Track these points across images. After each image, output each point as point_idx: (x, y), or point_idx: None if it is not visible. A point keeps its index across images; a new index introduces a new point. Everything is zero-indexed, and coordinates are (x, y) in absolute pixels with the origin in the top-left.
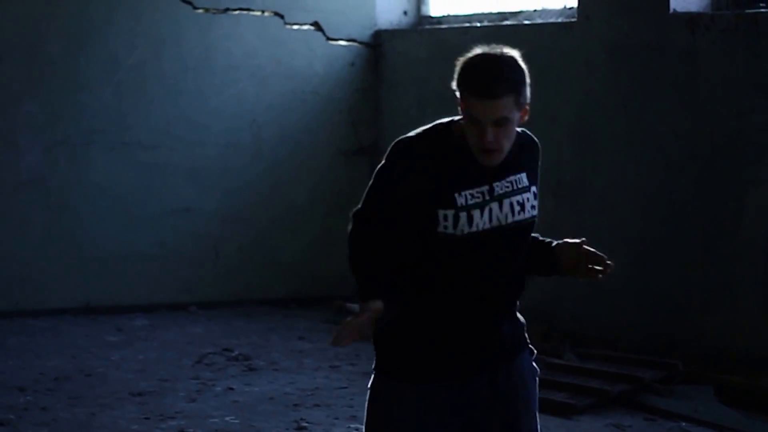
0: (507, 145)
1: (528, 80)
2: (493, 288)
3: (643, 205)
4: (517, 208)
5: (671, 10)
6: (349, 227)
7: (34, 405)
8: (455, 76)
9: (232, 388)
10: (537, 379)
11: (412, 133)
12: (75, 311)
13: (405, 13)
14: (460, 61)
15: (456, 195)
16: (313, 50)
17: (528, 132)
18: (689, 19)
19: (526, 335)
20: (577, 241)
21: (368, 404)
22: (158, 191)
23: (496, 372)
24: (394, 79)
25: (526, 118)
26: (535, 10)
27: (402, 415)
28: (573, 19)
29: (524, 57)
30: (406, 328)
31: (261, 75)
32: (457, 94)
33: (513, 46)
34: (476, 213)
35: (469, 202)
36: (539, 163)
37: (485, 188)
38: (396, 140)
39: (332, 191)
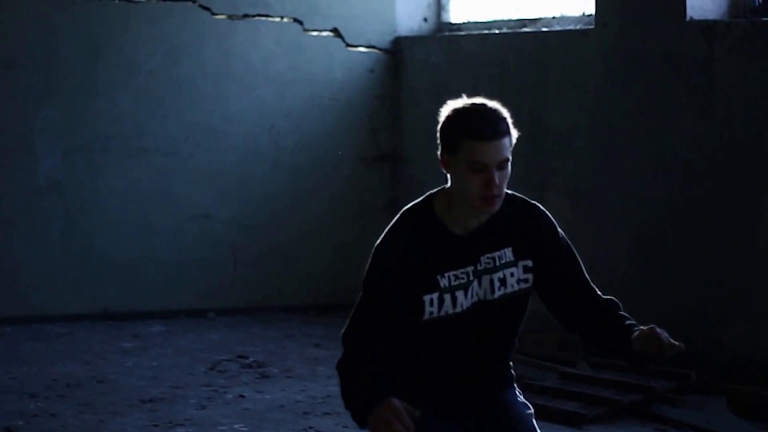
0: (504, 190)
1: None
2: (479, 361)
3: (659, 214)
4: (497, 284)
5: (688, 18)
6: (343, 337)
7: (43, 411)
8: (447, 130)
9: (243, 396)
10: (531, 410)
11: (385, 231)
12: (92, 317)
13: (425, 19)
14: (446, 116)
15: (438, 277)
16: (332, 56)
17: (528, 201)
18: (706, 27)
19: (512, 379)
20: (648, 331)
21: None
22: (176, 197)
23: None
24: (413, 85)
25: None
26: (553, 17)
27: None
28: (590, 27)
29: (542, 64)
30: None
31: (280, 81)
32: (441, 151)
33: (532, 52)
34: (460, 294)
35: (453, 283)
36: (542, 228)
37: (469, 269)
38: (374, 246)
39: (351, 198)
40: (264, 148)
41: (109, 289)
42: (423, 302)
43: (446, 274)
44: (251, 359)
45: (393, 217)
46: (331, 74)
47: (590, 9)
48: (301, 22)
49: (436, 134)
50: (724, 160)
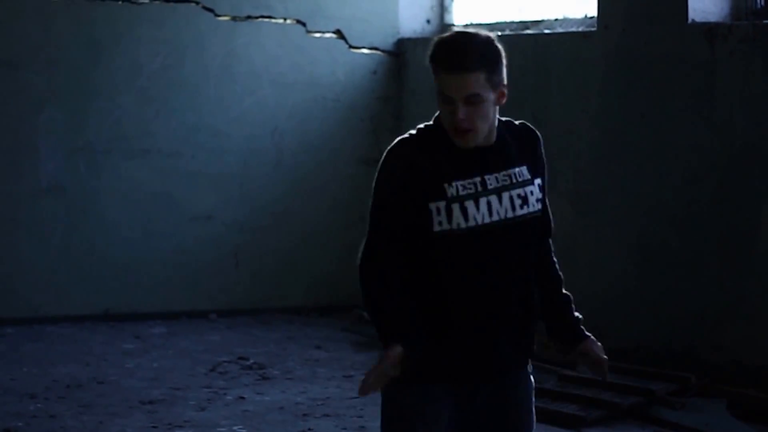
0: (482, 125)
1: (504, 61)
2: (499, 293)
3: (660, 216)
4: (518, 201)
5: (690, 21)
6: (359, 262)
7: (43, 412)
8: (428, 53)
9: (243, 397)
10: (533, 393)
11: (395, 141)
12: (93, 318)
13: (428, 21)
14: (433, 39)
15: (446, 185)
16: (335, 58)
17: (527, 124)
18: (708, 29)
19: (531, 353)
20: (597, 360)
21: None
22: (179, 199)
23: (486, 384)
24: (416, 87)
25: (504, 101)
26: (555, 20)
27: (403, 406)
28: (593, 29)
29: (544, 66)
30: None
31: (283, 82)
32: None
33: (534, 54)
34: (470, 205)
35: (461, 192)
36: (542, 155)
37: (477, 179)
38: (385, 151)
39: (353, 200)
40: (266, 150)
41: (111, 291)
42: (430, 211)
43: (454, 183)
44: (252, 361)
45: None
46: (334, 76)
47: (592, 11)
48: (304, 24)
49: None
50: (725, 163)
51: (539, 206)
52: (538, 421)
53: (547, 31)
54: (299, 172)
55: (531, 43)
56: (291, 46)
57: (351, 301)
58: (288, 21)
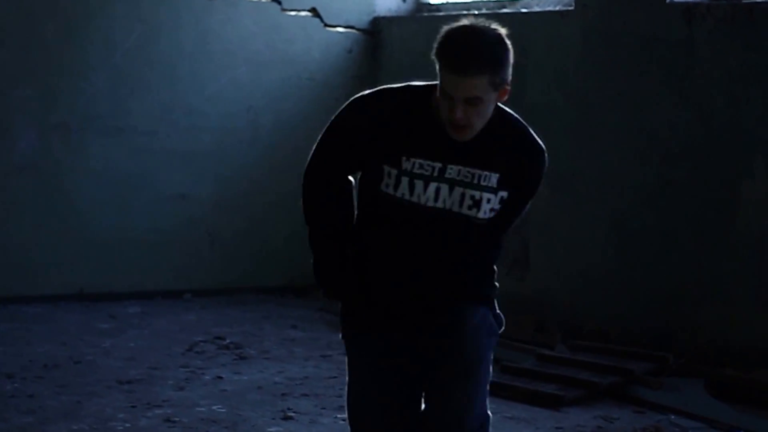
0: (479, 123)
1: (511, 60)
2: (426, 267)
3: (637, 196)
4: (468, 201)
5: (668, 0)
6: (303, 178)
7: (21, 392)
8: (434, 48)
9: (221, 377)
10: (489, 335)
11: (377, 89)
12: (69, 298)
13: (403, 0)
14: (442, 30)
15: (403, 158)
16: (310, 36)
17: (536, 142)
18: (686, 9)
19: (484, 299)
20: None
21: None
22: (153, 177)
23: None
24: (391, 66)
25: (506, 98)
26: None
27: (355, 355)
28: (570, 8)
29: (521, 45)
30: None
31: (258, 61)
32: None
33: (510, 33)
34: (419, 184)
35: (415, 170)
36: (532, 177)
37: (438, 165)
38: (355, 96)
39: None
40: (241, 129)
41: (85, 270)
42: (382, 171)
43: (412, 159)
44: (228, 340)
45: None
46: (309, 54)
47: None
48: (279, 2)
49: None
50: (703, 143)
51: (489, 215)
52: (517, 400)
53: (524, 10)
54: (274, 151)
55: (507, 21)
56: (266, 24)
57: None
58: None
